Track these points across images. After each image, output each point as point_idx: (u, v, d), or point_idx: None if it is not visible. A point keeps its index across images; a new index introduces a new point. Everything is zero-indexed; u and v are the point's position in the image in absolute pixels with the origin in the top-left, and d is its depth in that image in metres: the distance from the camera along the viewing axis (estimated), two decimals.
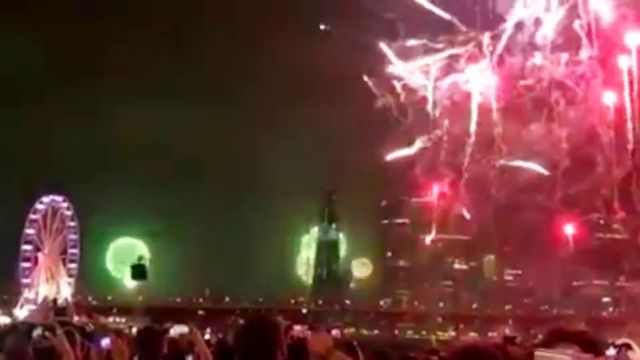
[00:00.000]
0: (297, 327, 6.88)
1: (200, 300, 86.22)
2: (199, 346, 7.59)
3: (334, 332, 50.94)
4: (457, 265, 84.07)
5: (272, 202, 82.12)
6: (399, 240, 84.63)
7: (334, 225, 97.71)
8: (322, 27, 56.28)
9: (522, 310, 74.35)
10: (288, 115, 77.13)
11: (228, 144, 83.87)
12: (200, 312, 78.88)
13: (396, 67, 55.35)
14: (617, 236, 66.82)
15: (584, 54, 50.35)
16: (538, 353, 3.07)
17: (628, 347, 5.56)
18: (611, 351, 5.26)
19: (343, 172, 78.33)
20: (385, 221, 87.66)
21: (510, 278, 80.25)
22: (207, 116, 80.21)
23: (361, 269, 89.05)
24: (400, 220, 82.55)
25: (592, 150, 50.53)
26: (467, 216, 58.42)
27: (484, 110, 54.05)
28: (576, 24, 50.26)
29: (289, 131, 76.35)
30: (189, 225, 79.83)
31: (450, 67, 55.26)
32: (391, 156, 58.48)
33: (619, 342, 5.59)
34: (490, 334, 66.24)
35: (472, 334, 69.79)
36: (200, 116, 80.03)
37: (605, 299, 76.70)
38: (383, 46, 55.23)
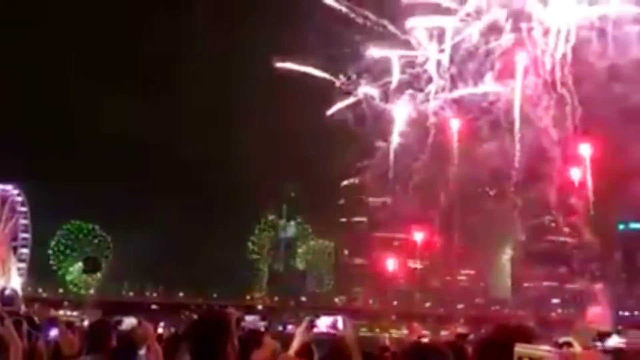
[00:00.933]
0: (249, 318, 6.84)
1: (154, 295, 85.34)
2: (149, 339, 7.51)
3: (290, 327, 51.24)
4: (411, 265, 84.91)
5: (231, 199, 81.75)
6: (356, 239, 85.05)
7: (292, 223, 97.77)
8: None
9: (474, 310, 75.58)
10: (253, 113, 76.75)
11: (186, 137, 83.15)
12: (154, 306, 78.10)
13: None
14: (565, 239, 68.88)
15: (531, 79, 52.57)
16: (518, 349, 3.12)
17: (569, 345, 5.70)
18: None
19: (302, 170, 78.39)
20: (344, 219, 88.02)
21: (464, 278, 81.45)
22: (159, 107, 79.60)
23: (317, 266, 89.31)
24: (358, 219, 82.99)
25: (542, 164, 52.84)
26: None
27: (441, 126, 56.36)
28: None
29: (250, 130, 75.97)
30: (144, 220, 78.89)
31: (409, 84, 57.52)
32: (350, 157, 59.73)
33: (561, 340, 5.72)
34: (442, 332, 67.15)
35: (425, 332, 70.52)
36: (156, 108, 79.25)
37: (555, 300, 78.55)
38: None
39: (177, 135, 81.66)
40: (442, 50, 56.80)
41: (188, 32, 79.14)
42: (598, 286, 46.75)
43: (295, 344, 5.60)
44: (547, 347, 3.09)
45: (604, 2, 50.61)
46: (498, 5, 53.58)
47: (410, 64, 58.63)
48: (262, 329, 6.98)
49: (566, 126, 52.79)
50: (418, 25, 56.56)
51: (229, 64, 79.15)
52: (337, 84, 60.05)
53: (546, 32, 51.95)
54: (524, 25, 52.96)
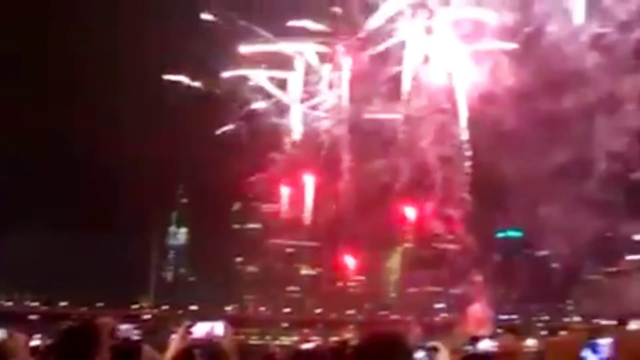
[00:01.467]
0: (123, 327, 6.69)
1: (35, 304, 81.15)
2: (19, 352, 7.20)
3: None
4: (304, 271, 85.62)
5: (120, 204, 79.10)
6: (249, 245, 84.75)
7: (182, 229, 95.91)
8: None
9: (363, 315, 77.40)
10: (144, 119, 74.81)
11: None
12: (33, 316, 74.18)
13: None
14: (447, 246, 72.24)
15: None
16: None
17: (435, 350, 5.97)
18: (419, 354, 5.56)
19: (194, 177, 77.26)
20: (237, 226, 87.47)
21: (354, 284, 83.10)
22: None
23: (208, 273, 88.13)
24: (251, 226, 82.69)
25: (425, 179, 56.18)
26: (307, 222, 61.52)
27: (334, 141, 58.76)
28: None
29: (141, 135, 74.03)
30: (23, 224, 74.94)
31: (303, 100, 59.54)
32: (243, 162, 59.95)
33: (428, 345, 5.97)
34: (332, 338, 68.19)
35: (315, 338, 71.39)
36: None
37: (439, 305, 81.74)
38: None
39: (70, 136, 78.28)
40: (335, 70, 59.11)
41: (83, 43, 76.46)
42: (477, 278, 49.24)
43: (170, 352, 5.56)
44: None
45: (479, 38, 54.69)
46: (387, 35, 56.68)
47: (306, 82, 60.39)
48: (136, 338, 6.85)
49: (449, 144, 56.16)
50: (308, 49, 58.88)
51: (119, 66, 76.98)
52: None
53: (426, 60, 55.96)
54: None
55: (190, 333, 5.69)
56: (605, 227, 61.87)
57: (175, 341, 5.63)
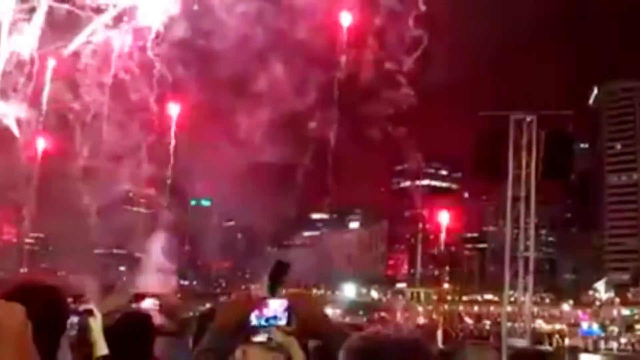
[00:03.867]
0: None
1: None
2: None
3: None
4: None
5: None
6: None
7: None
8: None
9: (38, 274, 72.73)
10: None
11: None
12: None
13: None
14: (140, 209, 71.75)
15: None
16: None
17: (90, 312, 5.81)
18: (74, 319, 5.34)
19: None
20: None
21: (32, 241, 77.67)
22: None
23: None
24: None
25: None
26: None
27: None
28: None
29: None
30: None
31: None
32: None
33: (81, 308, 5.77)
34: None
35: None
36: None
37: (122, 268, 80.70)
38: None
39: None
40: None
41: None
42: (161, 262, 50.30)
43: None
44: None
45: None
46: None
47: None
48: None
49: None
50: None
51: None
52: None
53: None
54: None
55: None
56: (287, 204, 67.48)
57: None
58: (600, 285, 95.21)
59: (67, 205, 58.00)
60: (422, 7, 48.90)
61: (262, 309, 2.84)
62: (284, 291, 3.07)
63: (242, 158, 54.33)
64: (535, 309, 57.57)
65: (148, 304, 12.69)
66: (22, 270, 74.71)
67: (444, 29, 58.28)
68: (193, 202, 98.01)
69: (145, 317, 5.93)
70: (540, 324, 67.34)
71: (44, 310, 2.78)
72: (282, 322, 2.84)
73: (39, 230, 77.06)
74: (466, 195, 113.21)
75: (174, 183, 63.45)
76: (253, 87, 53.12)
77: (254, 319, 2.86)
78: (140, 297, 14.10)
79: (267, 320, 2.85)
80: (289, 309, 2.83)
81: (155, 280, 47.83)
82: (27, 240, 73.77)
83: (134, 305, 10.92)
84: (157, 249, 55.43)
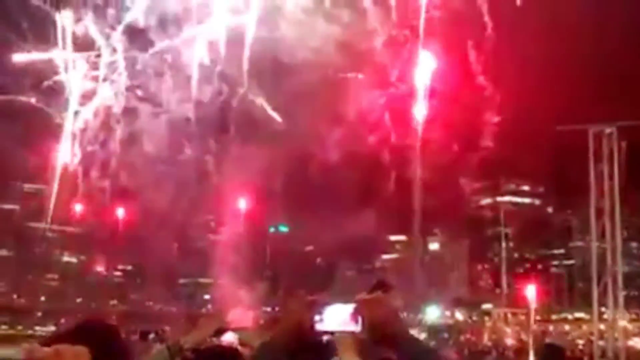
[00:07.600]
0: None
1: None
2: None
3: None
4: (66, 258, 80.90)
5: None
6: (4, 228, 77.96)
7: None
8: None
9: (127, 306, 75.14)
10: None
11: None
12: None
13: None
14: (217, 237, 73.29)
15: None
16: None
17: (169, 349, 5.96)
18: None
19: None
20: None
21: (119, 274, 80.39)
22: None
23: None
24: (8, 206, 76.12)
25: None
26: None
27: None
28: None
29: None
30: None
31: None
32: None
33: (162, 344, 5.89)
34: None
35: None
36: None
37: (206, 296, 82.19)
38: None
39: None
40: None
41: None
42: (242, 292, 51.08)
43: None
44: None
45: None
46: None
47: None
48: None
49: None
50: None
51: None
52: None
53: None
54: None
55: None
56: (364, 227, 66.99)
57: None
58: None
59: (151, 236, 60.06)
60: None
61: (323, 313, 2.72)
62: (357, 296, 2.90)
63: (319, 182, 55.37)
64: (630, 326, 54.79)
65: (229, 337, 12.72)
66: (111, 303, 77.68)
67: (520, 46, 57.67)
68: (271, 229, 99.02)
69: (234, 351, 5.97)
70: (637, 342, 64.01)
71: (105, 350, 2.83)
72: (351, 328, 2.67)
73: (126, 262, 79.94)
74: (550, 210, 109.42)
75: (251, 210, 64.88)
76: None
77: (317, 323, 2.71)
78: (221, 330, 14.12)
79: (330, 325, 2.71)
80: (357, 315, 2.69)
81: (237, 311, 48.70)
82: (116, 273, 76.76)
83: (214, 339, 11.05)
84: (236, 277, 56.32)
